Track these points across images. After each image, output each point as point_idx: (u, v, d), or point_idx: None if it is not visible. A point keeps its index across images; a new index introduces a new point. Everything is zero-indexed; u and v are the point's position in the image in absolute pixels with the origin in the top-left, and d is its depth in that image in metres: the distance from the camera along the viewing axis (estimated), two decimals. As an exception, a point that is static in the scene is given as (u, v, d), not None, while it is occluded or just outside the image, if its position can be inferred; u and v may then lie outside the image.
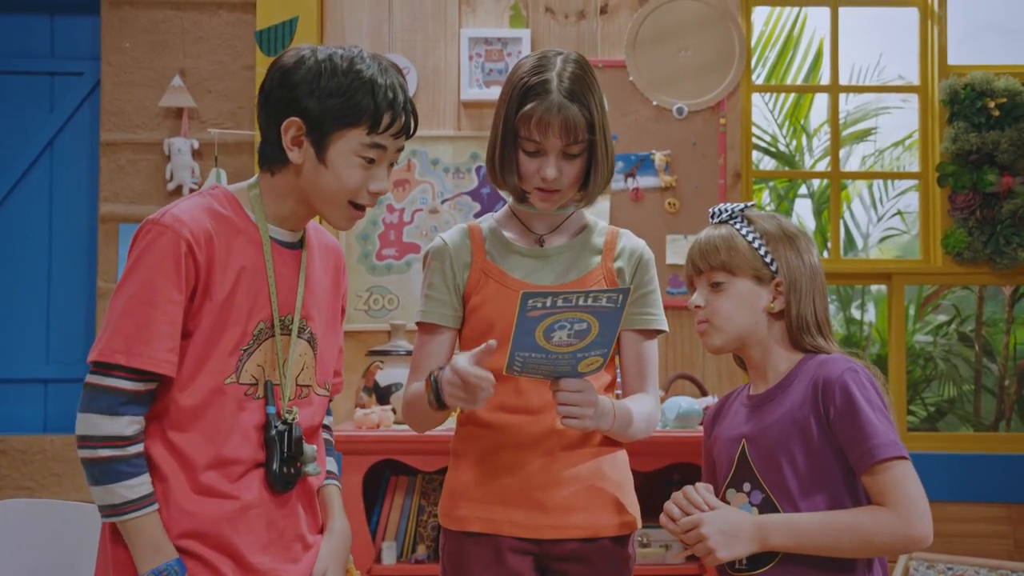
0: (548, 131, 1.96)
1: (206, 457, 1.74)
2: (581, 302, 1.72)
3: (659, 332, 2.11)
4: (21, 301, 4.11)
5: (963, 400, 5.45)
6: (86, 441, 1.69)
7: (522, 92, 1.98)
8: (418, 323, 2.10)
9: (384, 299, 3.87)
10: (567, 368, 1.83)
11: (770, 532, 1.75)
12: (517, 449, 2.01)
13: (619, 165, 3.90)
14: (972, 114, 3.97)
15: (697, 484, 1.84)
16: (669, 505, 1.84)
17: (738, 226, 1.93)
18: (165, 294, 1.70)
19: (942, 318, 5.82)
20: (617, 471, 2.08)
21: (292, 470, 1.81)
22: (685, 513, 1.80)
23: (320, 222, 2.02)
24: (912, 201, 5.59)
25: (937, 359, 5.57)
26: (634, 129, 3.92)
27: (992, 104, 3.94)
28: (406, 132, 1.82)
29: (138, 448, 1.71)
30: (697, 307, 1.93)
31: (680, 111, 3.92)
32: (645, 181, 3.91)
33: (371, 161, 1.78)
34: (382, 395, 3.53)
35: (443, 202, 3.90)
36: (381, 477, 3.56)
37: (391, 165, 1.85)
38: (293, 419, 1.81)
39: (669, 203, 3.90)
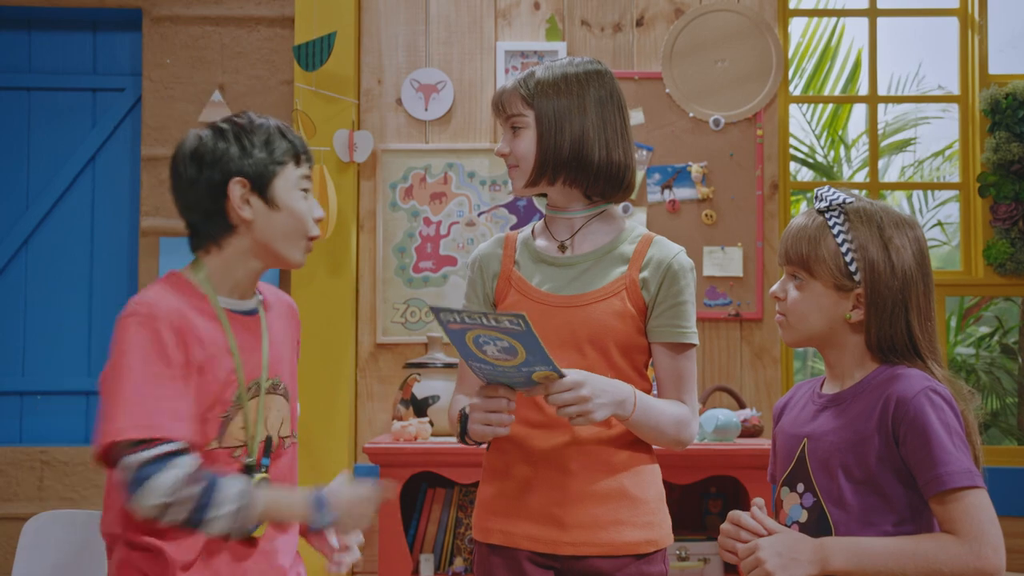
0: (494, 110, 2.11)
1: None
2: (485, 321, 1.75)
3: (690, 346, 2.05)
4: (63, 314, 4.16)
5: (1006, 413, 5.38)
6: (158, 512, 1.72)
7: None
8: None
9: (421, 311, 3.88)
10: (522, 379, 1.85)
11: (832, 554, 1.67)
12: (536, 464, 2.01)
13: (656, 177, 3.89)
14: (1014, 124, 3.92)
15: (753, 508, 1.75)
16: (723, 539, 1.76)
17: (832, 221, 1.78)
18: (159, 374, 1.76)
19: (984, 330, 5.75)
20: (643, 487, 2.04)
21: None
22: (740, 541, 1.72)
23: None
24: (952, 212, 5.54)
25: (979, 371, 5.50)
26: (671, 141, 3.91)
27: (1034, 113, 3.90)
28: (312, 166, 2.00)
29: (197, 470, 1.75)
30: (776, 297, 1.84)
31: (717, 122, 3.91)
32: (682, 193, 3.90)
33: (306, 191, 1.95)
34: (419, 407, 3.54)
35: (480, 215, 3.91)
36: (418, 489, 3.57)
37: None
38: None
39: (706, 215, 3.89)
